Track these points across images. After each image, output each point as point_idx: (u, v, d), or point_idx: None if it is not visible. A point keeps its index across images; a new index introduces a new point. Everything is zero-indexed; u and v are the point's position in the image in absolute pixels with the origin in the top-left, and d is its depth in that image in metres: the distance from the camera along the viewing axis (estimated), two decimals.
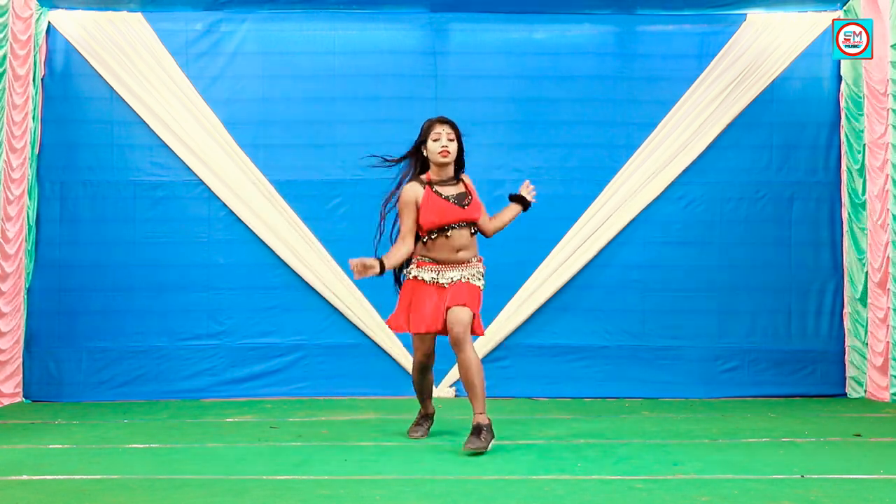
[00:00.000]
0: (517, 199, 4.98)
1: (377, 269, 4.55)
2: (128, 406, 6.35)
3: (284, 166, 6.78)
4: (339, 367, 6.74)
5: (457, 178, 4.80)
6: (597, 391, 6.69)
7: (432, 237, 4.70)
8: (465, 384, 4.59)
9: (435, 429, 5.22)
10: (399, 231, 4.78)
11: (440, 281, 4.70)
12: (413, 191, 4.72)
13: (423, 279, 4.72)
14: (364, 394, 6.68)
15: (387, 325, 4.88)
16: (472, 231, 4.75)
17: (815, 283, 6.81)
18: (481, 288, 4.75)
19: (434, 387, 6.66)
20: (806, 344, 6.78)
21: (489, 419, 4.54)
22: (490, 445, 4.46)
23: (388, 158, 4.89)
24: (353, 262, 4.53)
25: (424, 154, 4.77)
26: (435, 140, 4.72)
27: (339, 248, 6.72)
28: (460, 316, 4.58)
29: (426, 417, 5.07)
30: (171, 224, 6.74)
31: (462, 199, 4.72)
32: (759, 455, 4.42)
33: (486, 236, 4.91)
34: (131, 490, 3.69)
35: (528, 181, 5.05)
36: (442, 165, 4.73)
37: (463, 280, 4.69)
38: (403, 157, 4.88)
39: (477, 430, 4.47)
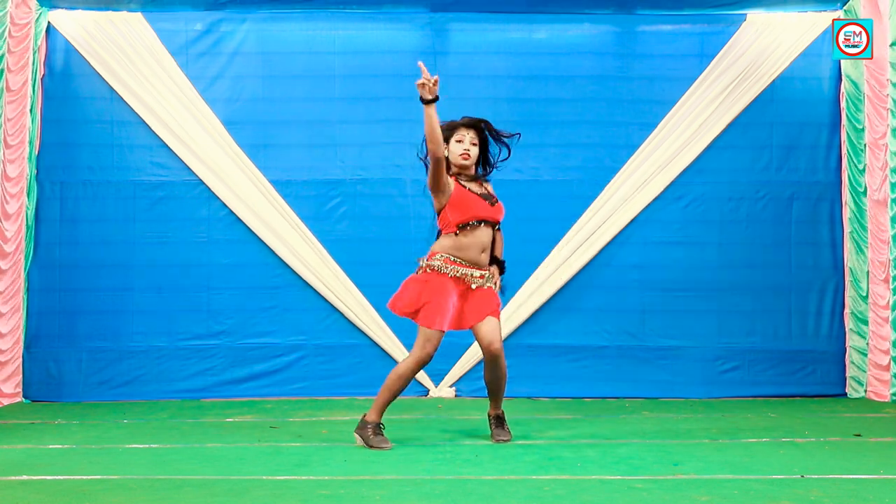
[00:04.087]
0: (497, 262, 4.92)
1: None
2: (128, 406, 6.35)
3: (284, 166, 6.78)
4: (339, 368, 6.74)
5: (481, 178, 4.85)
6: (597, 391, 6.69)
7: (464, 231, 4.70)
8: (493, 387, 4.81)
9: (435, 429, 5.22)
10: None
11: (465, 280, 4.72)
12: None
13: (445, 273, 4.69)
14: (364, 394, 6.67)
15: (388, 308, 4.83)
16: (495, 229, 4.82)
17: (815, 283, 6.82)
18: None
19: (435, 386, 6.72)
20: (806, 344, 6.78)
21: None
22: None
23: (421, 157, 4.84)
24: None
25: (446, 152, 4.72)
26: (458, 142, 4.76)
27: (339, 248, 6.74)
28: (497, 331, 4.72)
29: (382, 427, 4.72)
30: (171, 224, 6.74)
31: (490, 198, 4.79)
32: (759, 455, 4.42)
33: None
34: (131, 490, 3.69)
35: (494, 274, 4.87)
36: (462, 167, 4.77)
37: (485, 286, 4.78)
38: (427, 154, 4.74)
39: (500, 421, 4.88)
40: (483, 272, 4.77)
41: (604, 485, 3.76)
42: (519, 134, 4.89)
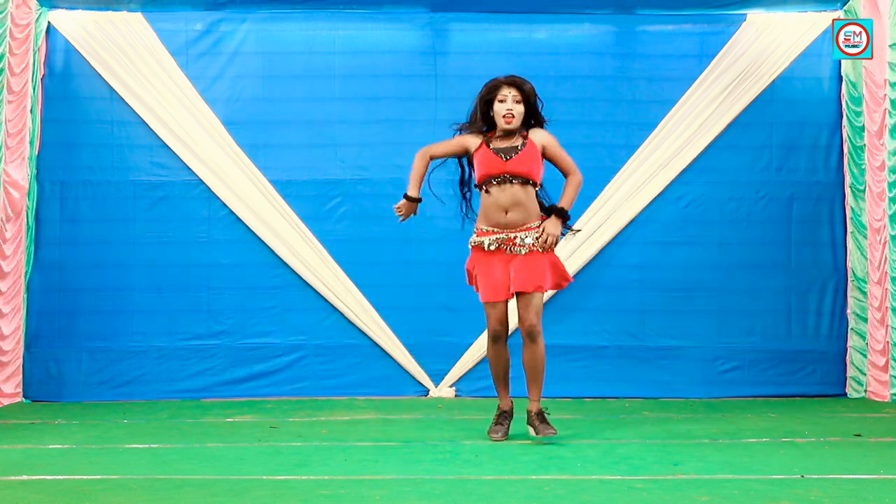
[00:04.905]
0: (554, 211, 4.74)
1: (408, 204, 4.74)
2: (128, 406, 6.35)
3: (284, 166, 6.78)
4: (338, 368, 6.74)
5: (520, 133, 4.66)
6: (597, 391, 6.69)
7: (484, 191, 4.64)
8: (529, 372, 4.69)
9: (435, 429, 5.22)
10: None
11: (503, 248, 4.63)
12: (465, 138, 4.71)
13: (482, 246, 4.66)
14: (364, 394, 6.68)
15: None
16: (524, 184, 4.60)
17: (815, 283, 6.81)
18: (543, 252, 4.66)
19: (435, 386, 6.72)
20: (806, 344, 6.78)
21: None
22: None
23: (461, 125, 4.77)
24: (398, 210, 4.72)
25: (491, 114, 4.66)
26: (500, 101, 4.62)
27: (339, 248, 6.74)
28: (534, 307, 4.59)
29: (505, 415, 4.80)
30: (171, 224, 6.74)
31: (508, 153, 4.59)
32: (759, 455, 4.42)
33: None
34: (131, 490, 3.69)
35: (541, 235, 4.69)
36: (505, 131, 4.65)
37: (527, 251, 4.61)
38: (471, 118, 4.73)
39: (542, 418, 4.67)
40: (520, 234, 4.61)
41: (604, 485, 3.76)
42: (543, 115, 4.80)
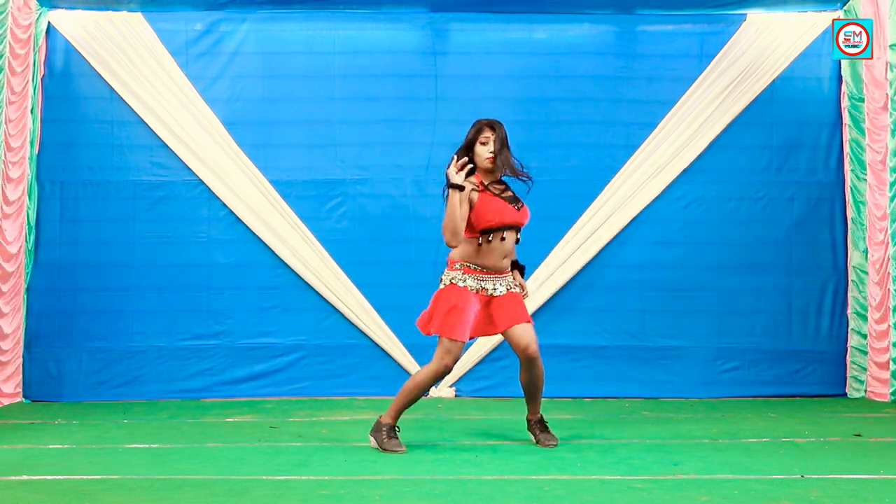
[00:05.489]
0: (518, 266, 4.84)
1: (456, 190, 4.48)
2: (128, 406, 6.35)
3: (284, 166, 6.78)
4: (338, 368, 6.74)
5: (503, 182, 4.68)
6: (597, 391, 6.69)
7: (488, 239, 4.57)
8: (531, 390, 4.73)
9: (435, 429, 5.23)
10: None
11: (485, 290, 4.62)
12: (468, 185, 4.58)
13: (467, 286, 4.60)
14: (364, 394, 6.68)
15: (416, 326, 4.76)
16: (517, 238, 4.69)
17: (815, 283, 6.81)
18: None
19: (435, 386, 6.70)
20: (806, 344, 6.78)
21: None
22: None
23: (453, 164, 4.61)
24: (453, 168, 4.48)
25: (472, 155, 4.63)
26: (483, 144, 4.62)
27: (339, 248, 6.74)
28: (531, 333, 4.62)
29: (397, 430, 4.67)
30: (171, 224, 6.74)
31: (516, 202, 4.64)
32: (759, 455, 4.43)
33: None
34: (131, 490, 3.69)
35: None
36: (487, 171, 4.63)
37: (507, 290, 4.66)
38: (460, 154, 4.62)
39: (543, 426, 4.76)
40: (503, 279, 4.66)
41: (604, 485, 3.77)
42: (531, 180, 4.71)
